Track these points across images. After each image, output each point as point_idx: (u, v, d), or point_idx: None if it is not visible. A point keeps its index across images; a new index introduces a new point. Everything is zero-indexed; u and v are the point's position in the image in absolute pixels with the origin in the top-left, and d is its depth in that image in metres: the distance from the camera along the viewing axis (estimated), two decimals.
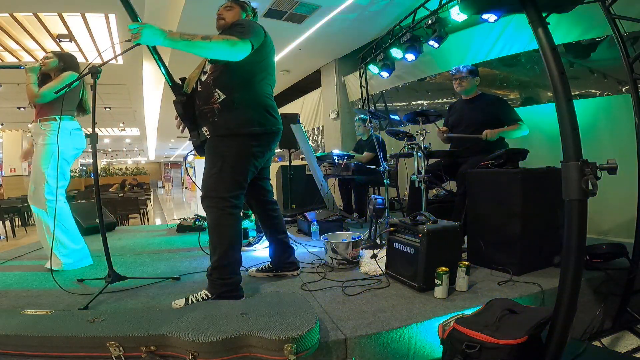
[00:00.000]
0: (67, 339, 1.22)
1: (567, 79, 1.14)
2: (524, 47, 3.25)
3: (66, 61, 2.34)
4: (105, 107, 9.17)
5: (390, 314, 1.45)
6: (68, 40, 5.10)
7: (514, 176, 1.91)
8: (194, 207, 11.49)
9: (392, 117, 5.48)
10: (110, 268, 1.82)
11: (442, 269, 1.60)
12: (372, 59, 4.57)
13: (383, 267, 1.95)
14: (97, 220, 2.04)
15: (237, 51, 1.52)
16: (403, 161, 3.94)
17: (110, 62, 2.14)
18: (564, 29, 2.85)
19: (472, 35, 3.70)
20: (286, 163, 4.39)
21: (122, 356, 1.19)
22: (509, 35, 3.36)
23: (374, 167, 3.29)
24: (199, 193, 1.68)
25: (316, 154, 3.60)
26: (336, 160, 3.21)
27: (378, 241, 2.50)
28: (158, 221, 8.56)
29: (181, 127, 1.85)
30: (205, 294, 1.60)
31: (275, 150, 2.08)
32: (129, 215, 7.01)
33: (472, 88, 2.67)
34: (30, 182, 2.25)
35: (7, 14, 4.33)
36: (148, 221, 7.66)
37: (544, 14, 1.18)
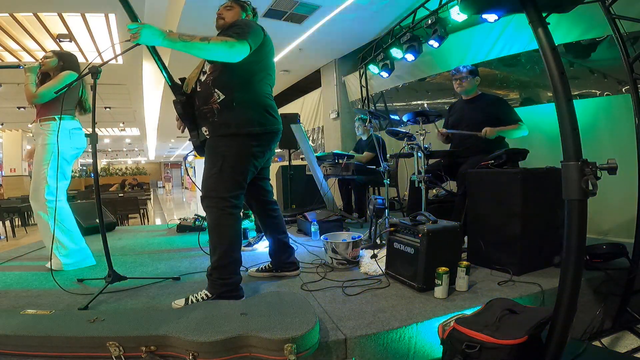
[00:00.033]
0: (67, 339, 1.22)
1: (567, 79, 1.14)
2: (524, 47, 3.25)
3: (66, 60, 2.34)
4: (105, 107, 9.17)
5: (390, 314, 1.45)
6: (68, 40, 5.10)
7: (514, 176, 1.91)
8: (194, 207, 11.49)
9: (392, 117, 5.48)
10: (110, 268, 1.82)
11: (442, 269, 1.60)
12: (372, 59, 4.57)
13: (383, 267, 1.95)
14: (97, 220, 2.04)
15: (235, 53, 1.53)
16: (403, 161, 3.94)
17: (110, 62, 2.14)
18: (564, 29, 2.85)
19: (472, 35, 3.70)
20: (286, 163, 4.39)
21: (122, 356, 1.19)
22: (509, 35, 3.36)
23: (374, 167, 3.29)
24: (199, 193, 1.68)
25: (316, 154, 3.60)
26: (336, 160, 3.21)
27: (378, 241, 2.49)
28: (158, 221, 8.55)
29: (181, 127, 1.86)
30: (205, 294, 1.60)
31: (275, 150, 2.08)
32: (129, 215, 7.01)
33: (472, 88, 2.67)
34: (31, 182, 2.25)
35: (7, 14, 4.33)
36: (148, 221, 7.66)
37: (544, 14, 1.18)
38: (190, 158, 17.22)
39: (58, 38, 5.02)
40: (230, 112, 1.64)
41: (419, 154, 2.40)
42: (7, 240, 5.81)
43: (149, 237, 3.47)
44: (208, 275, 1.64)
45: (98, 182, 1.96)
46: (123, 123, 12.23)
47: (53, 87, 2.17)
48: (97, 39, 5.26)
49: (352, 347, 1.29)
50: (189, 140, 1.87)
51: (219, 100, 1.65)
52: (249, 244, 2.72)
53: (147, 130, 13.92)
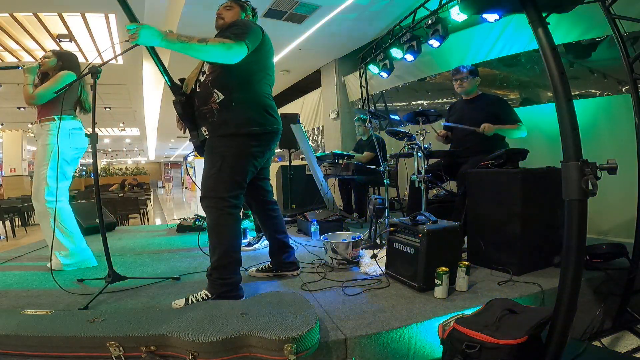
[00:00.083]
0: (67, 339, 1.22)
1: (567, 79, 1.14)
2: (524, 47, 3.25)
3: (65, 60, 2.33)
4: (105, 107, 9.17)
5: (390, 314, 1.45)
6: (68, 40, 5.10)
7: (514, 176, 1.91)
8: (194, 207, 11.49)
9: (392, 117, 5.48)
10: (110, 268, 1.82)
11: (442, 269, 1.60)
12: (372, 59, 4.57)
13: (383, 267, 1.95)
14: (97, 220, 2.03)
15: (233, 54, 1.53)
16: (403, 161, 3.94)
17: (110, 62, 2.14)
18: (564, 29, 2.85)
19: (472, 35, 3.70)
20: (286, 163, 4.39)
21: (122, 356, 1.19)
22: (509, 35, 3.36)
23: (374, 167, 3.29)
24: (199, 193, 1.68)
25: (316, 154, 3.60)
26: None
27: (378, 241, 2.49)
28: (158, 221, 8.56)
29: (182, 127, 1.86)
30: (205, 294, 1.60)
31: (275, 150, 2.08)
32: (129, 215, 7.01)
33: (472, 88, 2.67)
34: (32, 183, 2.25)
35: (7, 14, 4.33)
36: (148, 221, 7.66)
37: (544, 14, 1.18)
38: (190, 158, 17.22)
39: (58, 38, 5.03)
40: (230, 112, 1.64)
41: (419, 154, 2.40)
42: (7, 240, 5.81)
43: (149, 237, 3.47)
44: (208, 275, 1.64)
45: (98, 182, 1.96)
46: (123, 123, 12.23)
47: (50, 87, 2.17)
48: (97, 39, 5.27)
49: (352, 347, 1.29)
50: (189, 140, 1.87)
51: (218, 101, 1.65)
52: (249, 244, 2.72)
53: (147, 130, 13.93)
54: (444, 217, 1.88)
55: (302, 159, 5.44)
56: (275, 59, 4.16)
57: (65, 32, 4.92)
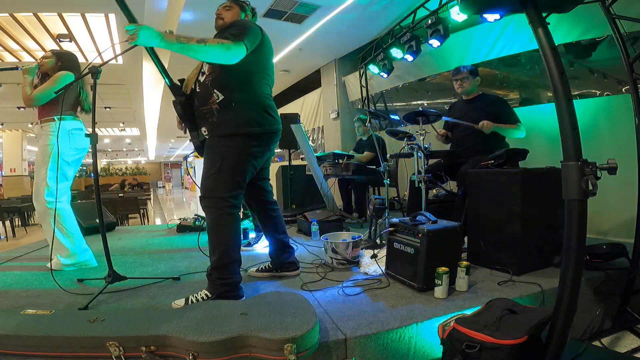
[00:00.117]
0: (67, 339, 1.22)
1: (567, 79, 1.14)
2: (524, 47, 3.25)
3: (64, 60, 2.32)
4: (105, 107, 9.17)
5: (390, 314, 1.45)
6: (68, 40, 5.11)
7: (514, 176, 1.91)
8: (194, 207, 11.49)
9: (392, 117, 5.48)
10: (110, 268, 1.82)
11: (442, 269, 1.59)
12: (372, 59, 4.57)
13: (383, 267, 1.95)
14: (97, 220, 2.03)
15: (232, 55, 1.53)
16: (403, 161, 3.94)
17: (110, 62, 2.14)
18: (564, 29, 2.85)
19: (472, 35, 3.70)
20: (286, 163, 4.39)
21: (122, 356, 1.19)
22: (509, 36, 3.36)
23: (374, 167, 3.29)
24: (199, 193, 1.68)
25: (316, 154, 3.60)
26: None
27: (378, 241, 2.50)
28: (158, 221, 8.56)
29: (182, 127, 1.86)
30: (205, 294, 1.60)
31: (275, 150, 2.07)
32: (129, 215, 7.01)
33: (473, 88, 2.68)
34: (33, 184, 2.25)
35: (7, 14, 4.33)
36: (148, 221, 7.66)
37: (544, 14, 1.18)
38: (190, 158, 17.23)
39: (58, 38, 5.03)
40: (229, 113, 1.64)
41: (419, 154, 2.40)
42: (7, 240, 5.82)
43: (149, 237, 3.47)
44: (208, 275, 1.64)
45: (98, 182, 1.96)
46: (123, 123, 12.23)
47: (48, 88, 2.16)
48: (97, 39, 5.27)
49: (352, 347, 1.29)
50: (190, 140, 1.87)
51: (218, 101, 1.65)
52: (249, 244, 2.72)
53: (147, 130, 13.93)
54: (444, 217, 1.88)
55: (302, 159, 5.44)
56: (275, 59, 4.17)
57: (65, 32, 4.92)
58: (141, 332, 1.21)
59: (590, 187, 1.07)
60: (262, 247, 2.70)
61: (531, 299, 1.62)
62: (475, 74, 2.66)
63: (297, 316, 1.25)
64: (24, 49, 5.44)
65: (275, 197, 2.04)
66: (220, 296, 1.58)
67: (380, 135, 4.06)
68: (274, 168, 4.40)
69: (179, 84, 1.79)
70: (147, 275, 2.08)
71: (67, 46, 5.28)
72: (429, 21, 3.41)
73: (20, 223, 6.94)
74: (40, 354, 1.23)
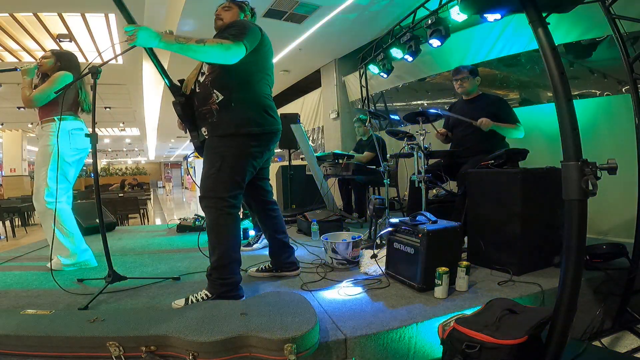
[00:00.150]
0: (67, 339, 1.22)
1: (567, 79, 1.14)
2: (524, 47, 3.25)
3: (63, 60, 2.32)
4: (105, 107, 9.18)
5: (390, 314, 1.45)
6: (68, 40, 5.11)
7: (514, 176, 1.91)
8: (194, 207, 11.49)
9: (392, 117, 5.48)
10: (110, 268, 1.82)
11: (442, 269, 1.59)
12: (372, 59, 4.57)
13: (383, 267, 1.95)
14: (97, 220, 2.03)
15: (231, 55, 1.53)
16: (403, 161, 3.94)
17: (110, 62, 2.14)
18: (564, 29, 2.85)
19: (472, 35, 3.70)
20: (286, 163, 4.39)
21: (122, 356, 1.19)
22: (509, 36, 3.36)
23: (374, 167, 3.29)
24: (199, 193, 1.68)
25: (316, 154, 3.60)
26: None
27: (378, 241, 2.49)
28: (158, 221, 8.56)
29: (183, 127, 1.86)
30: (205, 294, 1.60)
31: (275, 150, 2.08)
32: (129, 215, 7.02)
33: (473, 88, 2.68)
34: (33, 184, 2.24)
35: (7, 14, 4.33)
36: (148, 221, 7.66)
37: (544, 14, 1.18)
38: (190, 158, 17.23)
39: (58, 38, 5.03)
40: (229, 113, 1.64)
41: (419, 154, 2.40)
42: (7, 240, 5.82)
43: (149, 237, 3.47)
44: (208, 275, 1.64)
45: (98, 182, 1.96)
46: (123, 123, 12.24)
47: (47, 89, 2.16)
48: (97, 39, 5.27)
49: (352, 347, 1.29)
50: (190, 140, 1.87)
51: (217, 101, 1.65)
52: (249, 244, 2.72)
53: (147, 130, 13.93)
54: (444, 217, 1.88)
55: (302, 159, 5.44)
56: (275, 59, 4.17)
57: (65, 32, 4.93)
58: (141, 332, 1.21)
59: (590, 187, 1.07)
60: (262, 247, 2.70)
61: (531, 299, 1.62)
62: (475, 74, 2.66)
63: (297, 316, 1.25)
64: (24, 49, 5.45)
65: (275, 197, 2.04)
66: (220, 296, 1.58)
67: (380, 135, 4.06)
68: (274, 168, 4.41)
69: (178, 84, 1.79)
70: (147, 275, 2.08)
71: (67, 46, 5.29)
72: (429, 21, 3.40)
73: (20, 223, 6.94)
74: (40, 354, 1.23)
